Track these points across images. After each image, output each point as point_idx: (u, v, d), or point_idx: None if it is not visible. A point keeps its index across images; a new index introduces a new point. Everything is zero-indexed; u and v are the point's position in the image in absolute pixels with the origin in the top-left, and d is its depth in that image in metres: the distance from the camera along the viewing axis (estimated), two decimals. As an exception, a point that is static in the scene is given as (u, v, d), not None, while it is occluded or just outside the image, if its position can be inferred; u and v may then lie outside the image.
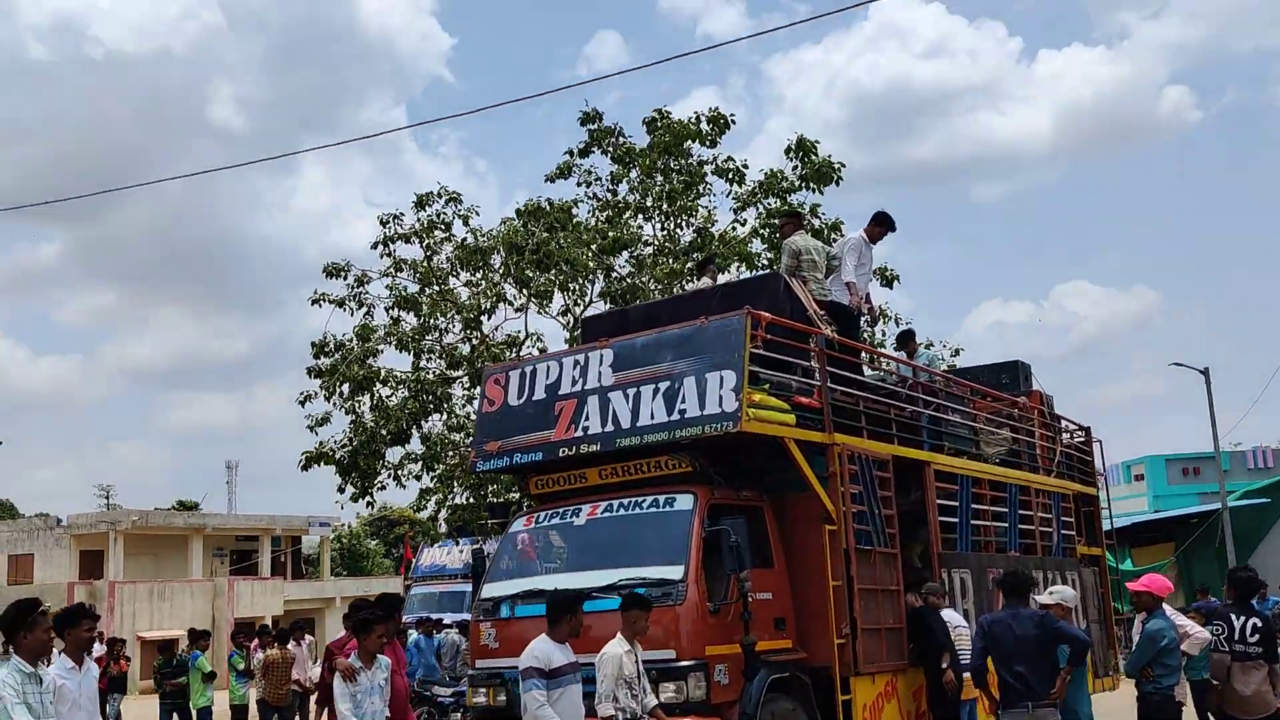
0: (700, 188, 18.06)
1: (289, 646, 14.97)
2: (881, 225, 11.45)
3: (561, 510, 9.37)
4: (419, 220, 18.78)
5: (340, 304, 18.34)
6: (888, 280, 19.66)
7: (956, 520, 11.19)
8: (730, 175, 18.05)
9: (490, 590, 9.14)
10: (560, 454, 9.32)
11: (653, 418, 8.91)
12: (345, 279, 18.98)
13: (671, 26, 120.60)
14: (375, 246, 18.73)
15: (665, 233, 17.99)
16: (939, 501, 11.25)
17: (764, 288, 10.22)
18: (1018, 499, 12.48)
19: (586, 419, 9.27)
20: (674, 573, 8.28)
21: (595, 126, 17.97)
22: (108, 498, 62.26)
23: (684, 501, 8.68)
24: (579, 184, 18.55)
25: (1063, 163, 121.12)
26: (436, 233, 18.70)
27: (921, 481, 10.82)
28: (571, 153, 18.09)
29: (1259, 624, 7.94)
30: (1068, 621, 7.74)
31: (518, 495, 9.89)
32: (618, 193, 18.25)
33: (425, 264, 18.67)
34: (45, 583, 43.19)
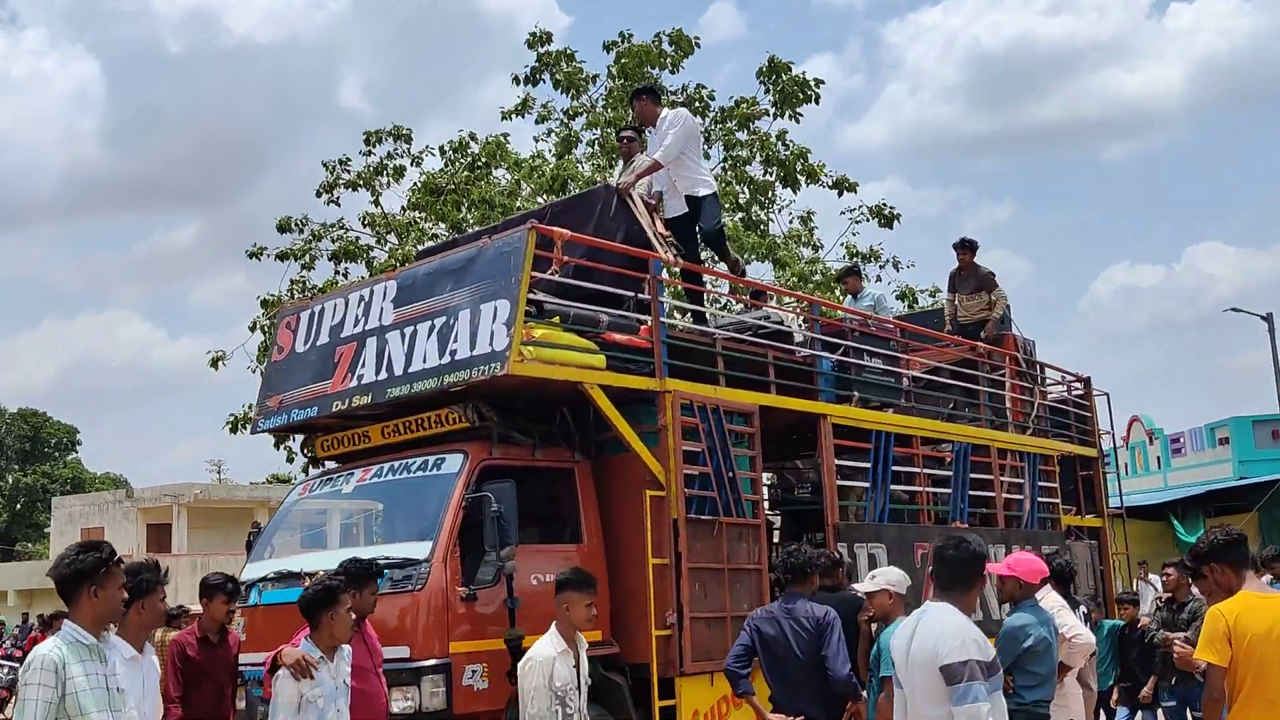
0: None
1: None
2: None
3: (334, 476, 7.83)
4: (366, 165, 17.33)
5: (283, 257, 17.00)
6: (886, 220, 17.57)
7: (868, 485, 9.32)
8: (693, 104, 16.11)
9: (248, 571, 7.65)
10: (334, 408, 7.76)
11: (424, 361, 7.28)
12: (302, 233, 17.67)
13: None
14: (320, 195, 17.34)
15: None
16: (849, 464, 9.42)
17: (587, 203, 8.45)
18: (967, 460, 10.50)
19: (363, 365, 7.69)
20: (420, 550, 6.67)
21: (545, 50, 16.19)
22: (219, 473, 62.93)
23: (451, 463, 7.04)
24: (537, 120, 16.86)
25: (1195, 120, 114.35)
26: (383, 177, 17.21)
27: (816, 437, 8.98)
28: (517, 80, 16.33)
29: None
30: (898, 614, 5.87)
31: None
32: (571, 127, 16.46)
33: (374, 211, 17.21)
34: (110, 556, 43.42)
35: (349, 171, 17.36)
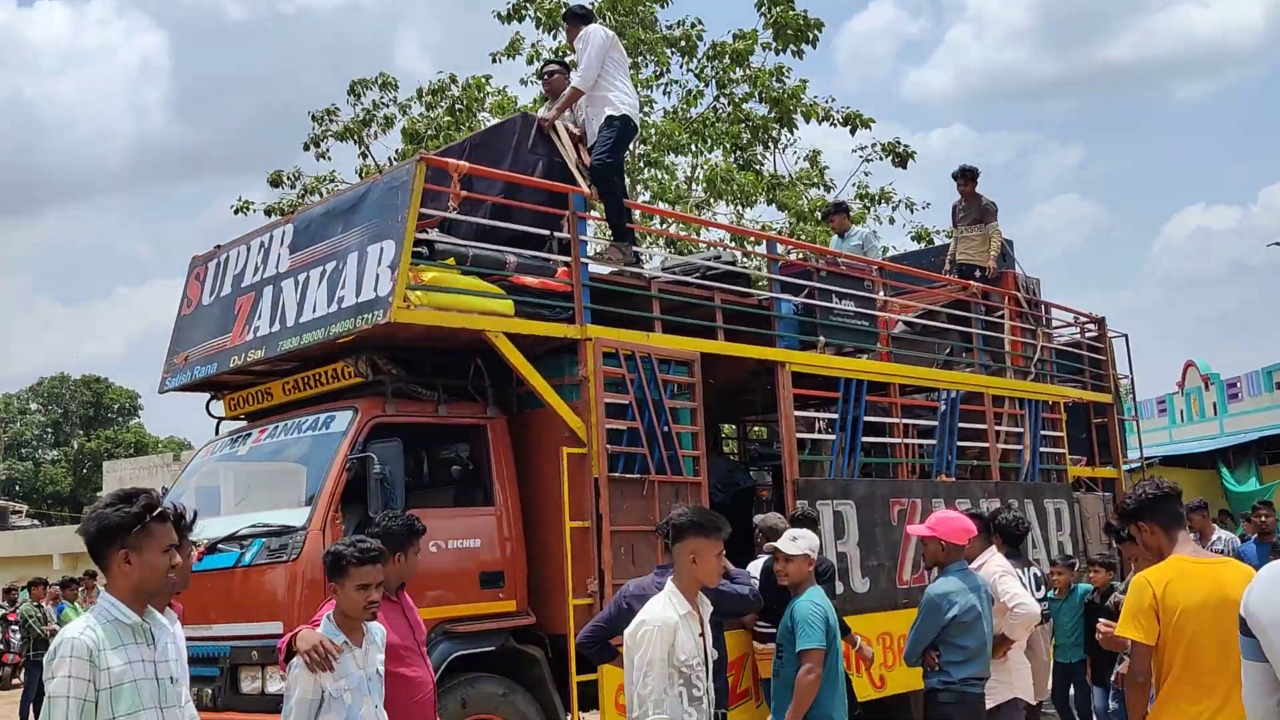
0: (641, 59, 15.23)
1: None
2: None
3: (233, 437, 7.27)
4: (354, 116, 16.71)
5: (269, 212, 16.48)
6: (900, 159, 16.61)
7: (834, 437, 8.58)
8: (681, 44, 15.20)
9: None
10: (232, 363, 7.19)
11: (314, 310, 6.66)
12: (294, 187, 17.18)
13: None
14: (307, 148, 16.78)
15: None
16: (815, 415, 8.70)
17: (503, 136, 7.71)
18: (956, 409, 9.70)
19: (259, 317, 7.10)
20: (298, 517, 6.08)
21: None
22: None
23: (340, 421, 6.43)
24: (527, 61, 16.05)
25: (1274, 55, 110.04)
26: (372, 128, 16.59)
27: (773, 386, 8.25)
28: (500, 17, 15.45)
29: None
30: (811, 584, 5.13)
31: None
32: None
33: (362, 160, 16.61)
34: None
35: (337, 123, 16.76)
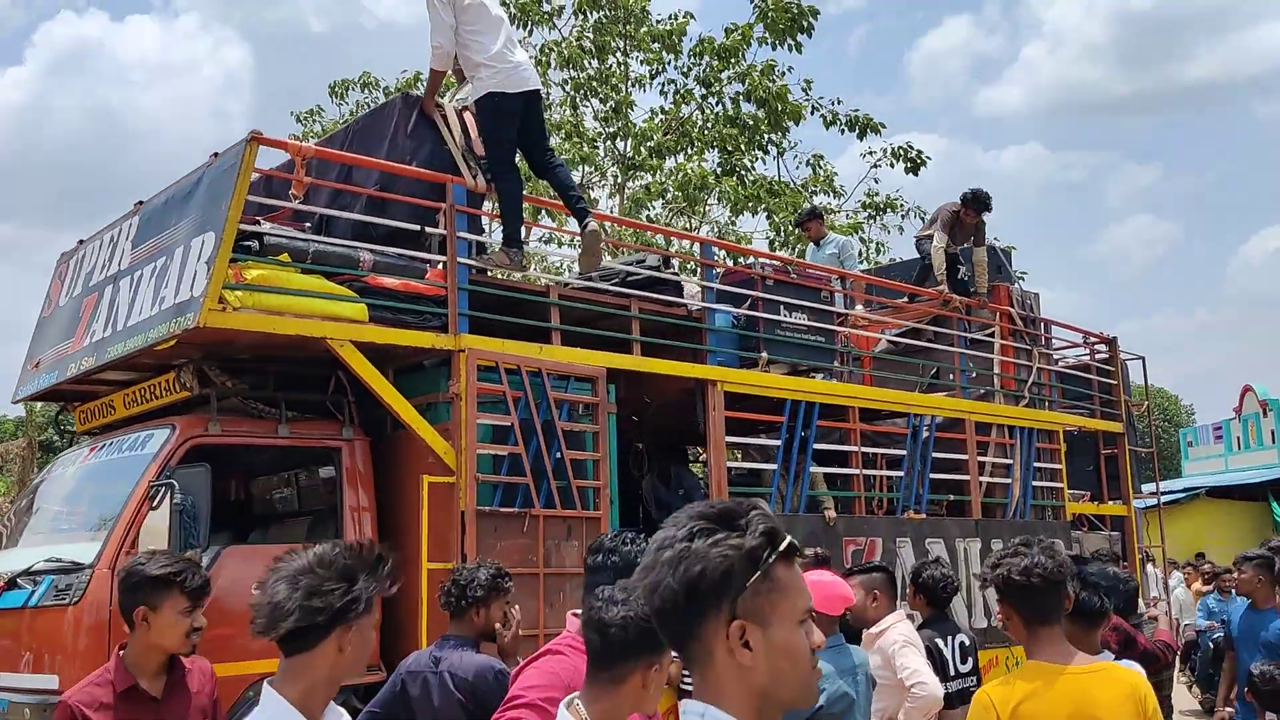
0: (617, 54, 14.28)
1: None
2: None
3: (64, 457, 6.46)
4: (337, 118, 15.99)
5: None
6: (912, 165, 15.52)
7: (774, 467, 7.57)
8: (667, 40, 14.21)
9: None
10: (69, 372, 6.37)
11: (140, 313, 5.81)
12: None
13: None
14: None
15: (571, 106, 14.36)
16: (757, 441, 7.71)
17: (381, 121, 6.80)
18: (929, 437, 8.64)
19: (97, 320, 6.28)
20: (89, 552, 5.21)
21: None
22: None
23: (156, 441, 5.57)
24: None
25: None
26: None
27: (703, 409, 7.27)
28: None
29: None
30: None
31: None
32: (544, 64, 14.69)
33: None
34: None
35: (318, 123, 16.05)
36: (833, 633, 4.29)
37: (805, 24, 13.74)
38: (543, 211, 11.57)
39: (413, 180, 6.33)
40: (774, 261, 8.45)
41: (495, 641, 4.23)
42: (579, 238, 6.52)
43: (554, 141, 14.35)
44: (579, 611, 2.77)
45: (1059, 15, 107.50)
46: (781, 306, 7.86)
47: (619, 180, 14.40)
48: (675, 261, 7.94)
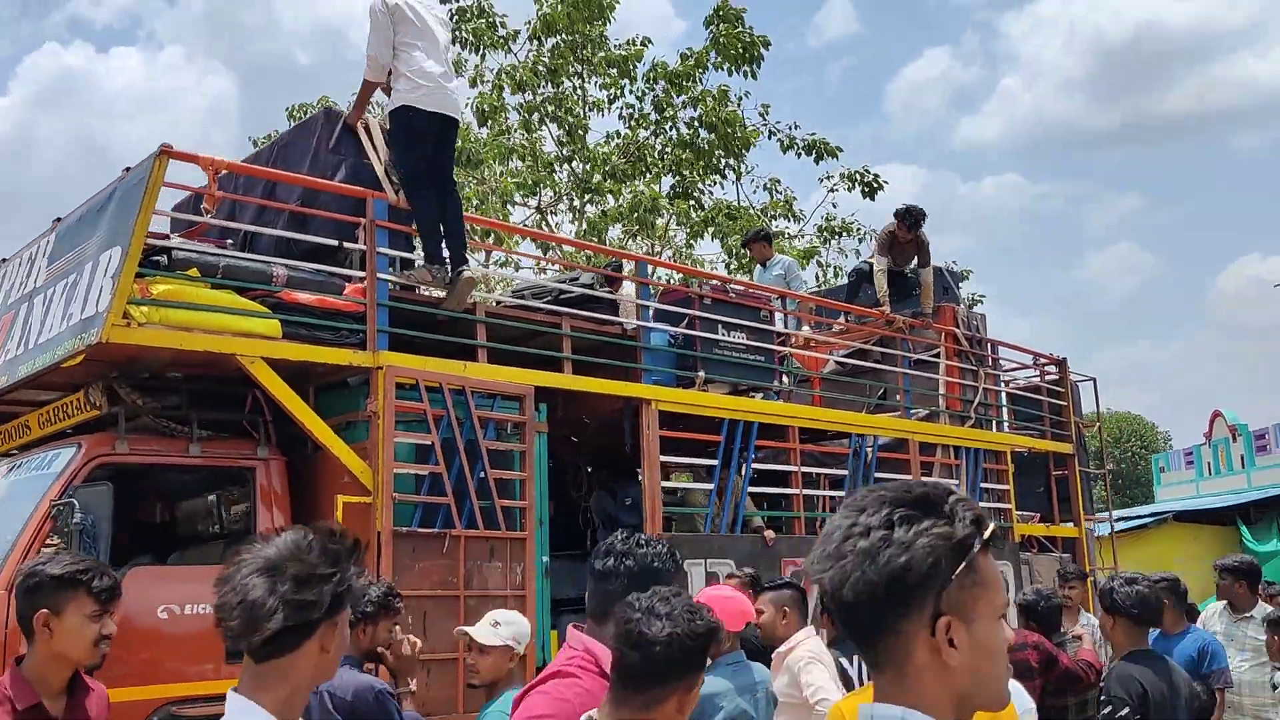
0: (573, 78, 14.26)
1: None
2: None
3: (-20, 475, 6.31)
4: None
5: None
6: (868, 189, 15.56)
7: (710, 486, 7.50)
8: (621, 65, 14.21)
9: None
10: (-10, 389, 6.25)
11: (50, 330, 5.71)
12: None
13: None
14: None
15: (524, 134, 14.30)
16: (693, 461, 7.63)
17: (305, 136, 6.73)
18: (870, 457, 8.59)
19: (11, 339, 6.17)
20: (-20, 576, 5.08)
21: (460, 4, 14.40)
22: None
23: (62, 460, 5.45)
24: (470, 84, 15.12)
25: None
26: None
27: (636, 428, 7.20)
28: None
29: None
30: (512, 683, 4.02)
31: None
32: (501, 90, 14.64)
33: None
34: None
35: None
36: (733, 648, 4.22)
37: (756, 53, 13.78)
38: (491, 234, 11.52)
39: (335, 195, 6.26)
40: (713, 281, 8.39)
41: (380, 662, 4.13)
42: (450, 283, 6.36)
43: (512, 165, 14.33)
44: (581, 625, 2.61)
45: (1036, 48, 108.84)
46: (720, 325, 7.82)
47: (578, 204, 14.37)
48: (626, 281, 7.85)
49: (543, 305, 7.02)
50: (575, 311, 7.06)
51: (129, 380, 5.64)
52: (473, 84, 14.95)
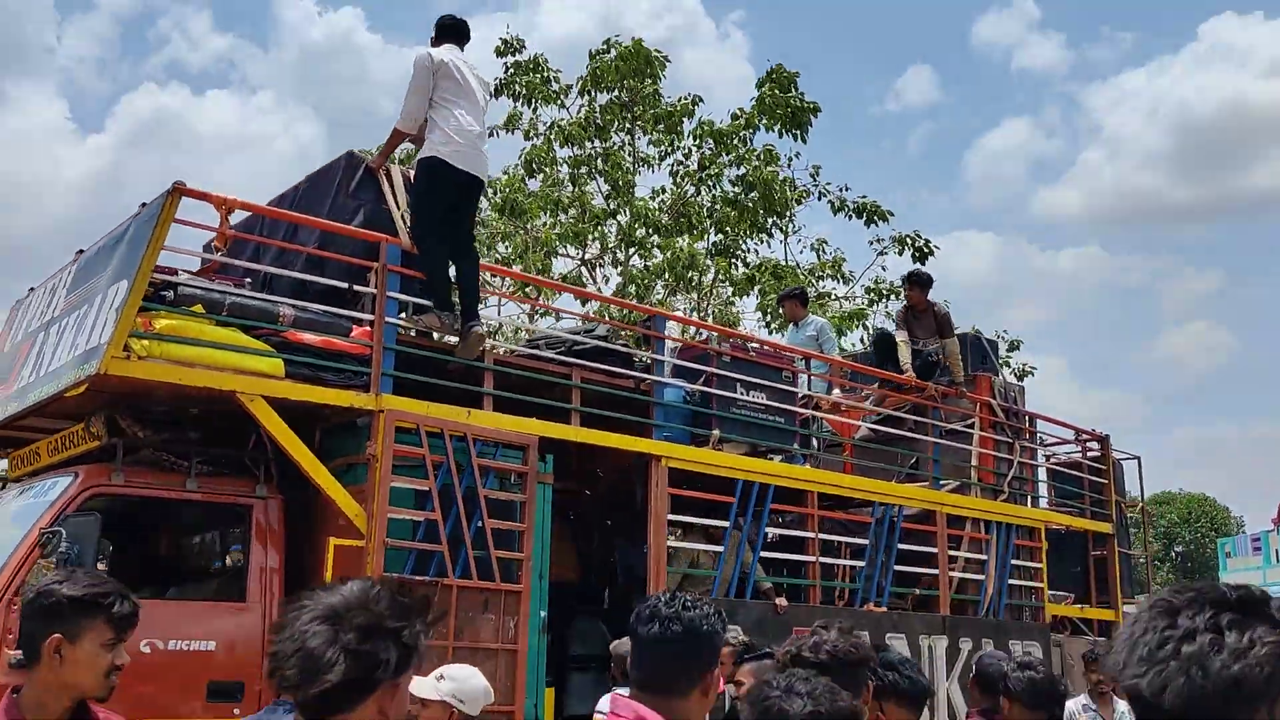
0: (621, 133, 14.33)
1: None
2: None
3: (-9, 499, 6.39)
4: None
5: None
6: (919, 253, 15.38)
7: (721, 549, 7.35)
8: (668, 121, 14.24)
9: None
10: (4, 414, 6.34)
11: (59, 359, 5.79)
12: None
13: (985, 61, 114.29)
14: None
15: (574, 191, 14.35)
16: (703, 521, 7.48)
17: (326, 179, 6.79)
18: (894, 527, 8.37)
19: (27, 366, 6.26)
20: (-31, 602, 5.10)
21: (516, 59, 14.63)
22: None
23: (58, 488, 5.49)
24: (525, 136, 15.28)
25: None
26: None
27: (644, 485, 7.09)
28: (498, 91, 14.77)
29: None
30: None
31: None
32: (550, 143, 14.74)
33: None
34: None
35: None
36: None
37: (804, 119, 13.77)
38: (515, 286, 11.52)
39: (350, 239, 6.30)
40: (733, 338, 8.28)
41: None
42: (460, 336, 6.38)
43: (560, 217, 14.40)
44: (624, 692, 2.50)
45: (1119, 122, 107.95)
46: (739, 384, 7.70)
47: (622, 258, 14.40)
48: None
49: (554, 356, 6.97)
50: (586, 363, 7.00)
51: (132, 413, 5.67)
52: (527, 136, 15.12)
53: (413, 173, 6.70)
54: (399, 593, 1.80)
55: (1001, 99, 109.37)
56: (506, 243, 13.48)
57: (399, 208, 6.45)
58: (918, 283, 9.62)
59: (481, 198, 6.83)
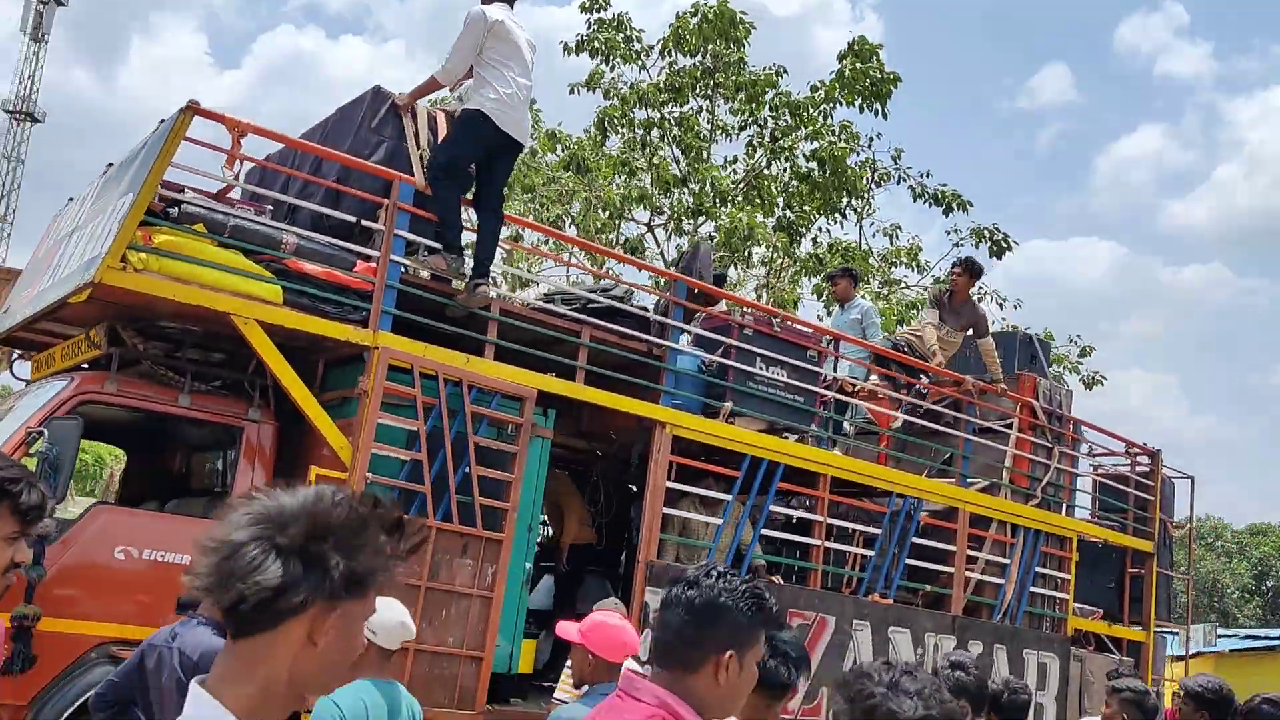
0: (699, 99, 14.10)
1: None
2: None
3: (5, 401, 6.58)
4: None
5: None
6: (996, 248, 14.97)
7: (719, 521, 7.25)
8: (749, 89, 13.96)
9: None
10: (19, 318, 6.53)
11: (70, 266, 5.92)
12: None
13: (1126, 64, 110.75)
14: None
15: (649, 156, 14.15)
16: (707, 493, 7.39)
17: (351, 113, 6.79)
18: (911, 519, 8.17)
19: (49, 271, 6.43)
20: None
21: (600, 15, 14.48)
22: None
23: (49, 391, 5.64)
24: (605, 95, 15.17)
25: None
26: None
27: (645, 451, 7.02)
28: (567, 49, 14.67)
29: None
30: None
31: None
32: (628, 105, 14.61)
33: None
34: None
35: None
36: (610, 680, 4.00)
37: (885, 90, 13.40)
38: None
39: (368, 174, 6.31)
40: (758, 312, 8.11)
41: None
42: (464, 287, 6.34)
43: (633, 181, 14.28)
44: (639, 659, 2.30)
45: (1261, 138, 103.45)
46: (759, 359, 7.56)
47: (689, 226, 14.27)
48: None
49: (565, 311, 6.91)
50: (597, 321, 6.92)
51: (136, 327, 5.78)
52: (607, 95, 15.02)
53: (440, 114, 6.68)
54: (364, 504, 1.47)
55: (1139, 105, 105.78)
56: (569, 201, 13.40)
57: (419, 148, 6.44)
58: (969, 270, 9.30)
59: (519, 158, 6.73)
